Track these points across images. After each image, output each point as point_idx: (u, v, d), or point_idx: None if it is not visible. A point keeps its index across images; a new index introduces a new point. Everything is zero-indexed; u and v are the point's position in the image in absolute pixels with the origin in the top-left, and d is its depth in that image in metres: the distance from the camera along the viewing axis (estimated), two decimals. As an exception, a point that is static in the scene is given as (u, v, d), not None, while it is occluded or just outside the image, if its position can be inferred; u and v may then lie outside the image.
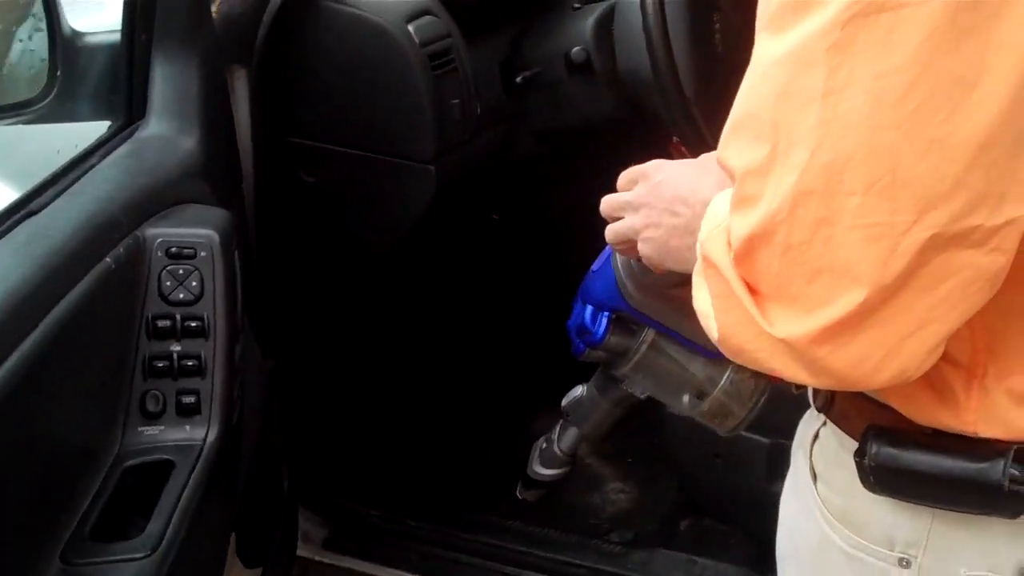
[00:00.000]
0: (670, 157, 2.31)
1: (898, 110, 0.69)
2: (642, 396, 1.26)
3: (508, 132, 1.93)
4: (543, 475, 1.37)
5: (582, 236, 2.32)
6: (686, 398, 1.21)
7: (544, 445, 1.36)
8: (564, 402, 1.32)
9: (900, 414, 0.88)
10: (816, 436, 1.00)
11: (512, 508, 1.99)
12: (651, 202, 1.01)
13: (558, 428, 1.34)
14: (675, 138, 2.32)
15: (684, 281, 0.93)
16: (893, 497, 0.89)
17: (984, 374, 0.83)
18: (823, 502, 0.96)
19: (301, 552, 1.83)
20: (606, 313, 1.20)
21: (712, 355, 1.15)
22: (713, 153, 1.04)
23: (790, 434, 1.68)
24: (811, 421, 1.02)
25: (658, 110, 1.80)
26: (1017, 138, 0.69)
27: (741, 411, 1.22)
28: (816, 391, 1.00)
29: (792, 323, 0.75)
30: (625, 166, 2.41)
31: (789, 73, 0.73)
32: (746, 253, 0.77)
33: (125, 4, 1.42)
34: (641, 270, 1.13)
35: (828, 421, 0.97)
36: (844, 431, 0.94)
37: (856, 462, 0.89)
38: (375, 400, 2.04)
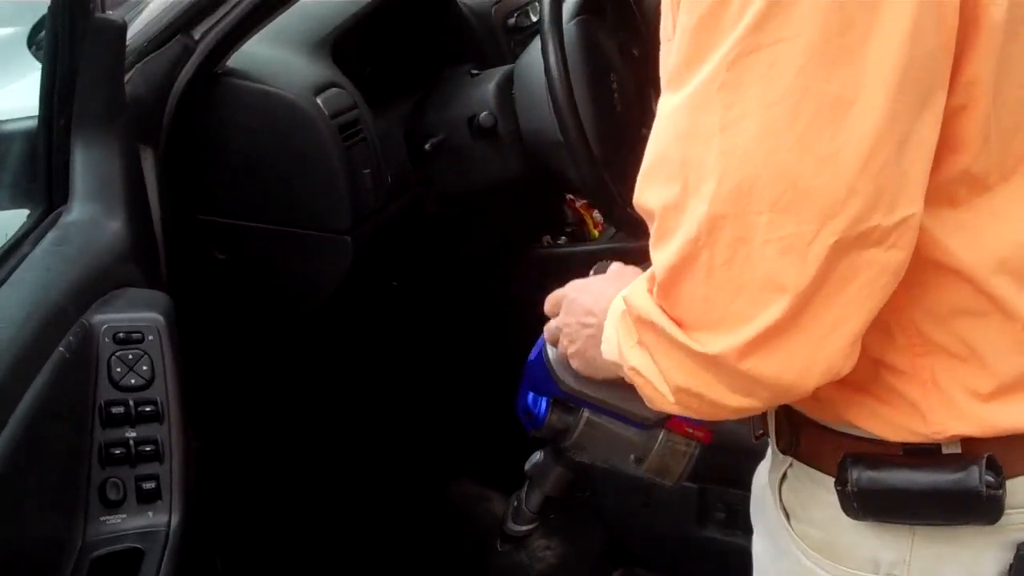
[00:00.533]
0: (565, 213, 2.38)
1: (789, 133, 0.77)
2: (590, 462, 1.36)
3: (415, 198, 1.95)
4: (517, 531, 1.46)
5: (484, 294, 2.36)
6: (630, 459, 1.34)
7: (515, 503, 1.43)
8: (527, 466, 1.41)
9: (872, 439, 0.92)
10: (784, 476, 1.03)
11: (441, 571, 1.99)
12: (568, 321, 1.12)
13: (524, 489, 1.42)
14: (568, 196, 2.38)
15: None
16: (877, 520, 0.93)
17: (932, 377, 0.88)
18: (801, 538, 1.00)
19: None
20: (544, 398, 1.31)
21: (643, 427, 1.31)
22: (618, 264, 1.25)
23: (717, 479, 1.73)
24: (776, 464, 1.05)
25: (564, 169, 1.84)
26: (900, 145, 0.77)
27: (678, 467, 1.36)
28: (779, 433, 1.05)
29: (720, 340, 0.82)
30: (523, 224, 2.46)
31: (689, 116, 0.81)
32: (671, 283, 0.83)
33: (42, 89, 1.40)
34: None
35: (795, 461, 1.01)
36: (816, 467, 0.98)
37: (838, 491, 0.93)
38: (302, 478, 2.02)
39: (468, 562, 2.02)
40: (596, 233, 2.44)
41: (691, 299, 0.83)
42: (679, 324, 0.85)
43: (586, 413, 1.33)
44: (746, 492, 1.70)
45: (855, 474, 0.92)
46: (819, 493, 0.97)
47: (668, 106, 0.84)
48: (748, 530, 1.72)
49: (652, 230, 0.86)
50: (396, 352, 2.19)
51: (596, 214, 2.46)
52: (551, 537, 2.10)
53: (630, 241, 2.38)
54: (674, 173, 0.82)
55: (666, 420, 1.34)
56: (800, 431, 1.00)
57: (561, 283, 2.33)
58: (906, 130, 0.77)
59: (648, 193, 0.86)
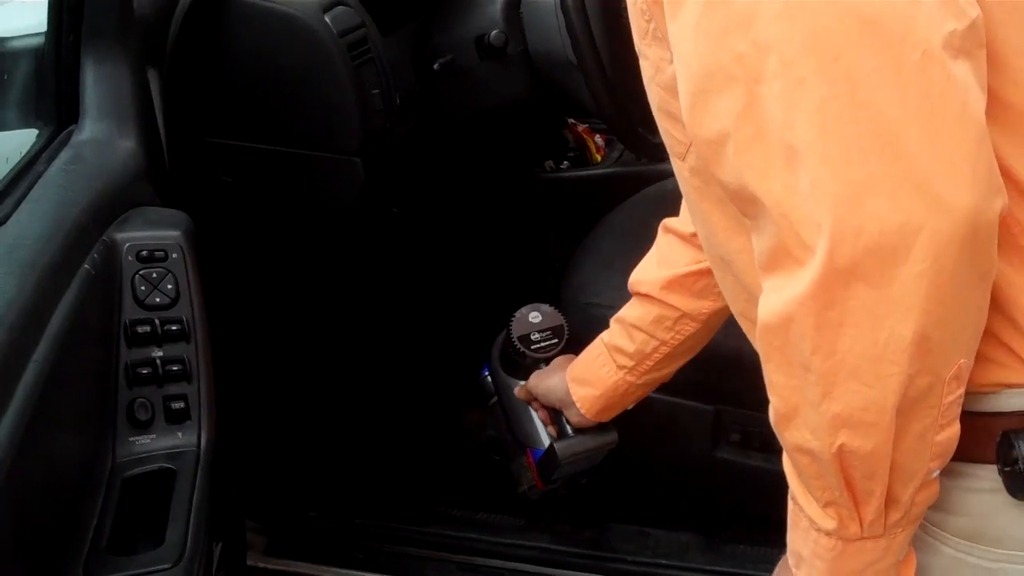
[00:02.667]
0: (566, 138, 2.35)
1: None
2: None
3: (422, 121, 1.92)
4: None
5: (487, 220, 2.34)
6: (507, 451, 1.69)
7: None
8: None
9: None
10: None
11: (456, 497, 1.99)
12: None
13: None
14: (570, 120, 2.36)
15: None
16: None
17: None
18: (943, 530, 0.93)
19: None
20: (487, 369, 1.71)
21: (518, 445, 1.65)
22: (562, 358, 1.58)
23: (731, 401, 1.72)
24: None
25: (574, 90, 1.82)
26: None
27: (523, 485, 1.69)
28: None
29: None
30: (525, 149, 2.44)
31: (717, 10, 0.76)
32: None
33: (50, 5, 1.36)
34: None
35: None
36: (960, 460, 0.87)
37: (1006, 472, 0.86)
38: (305, 399, 2.00)
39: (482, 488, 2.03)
40: (598, 158, 2.42)
41: None
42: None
43: (494, 400, 1.69)
44: (760, 412, 1.71)
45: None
46: (965, 483, 0.89)
47: (685, 26, 0.79)
48: (763, 451, 1.73)
49: (723, 160, 0.79)
50: (401, 278, 2.17)
51: (598, 138, 2.44)
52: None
53: (632, 166, 2.37)
54: (730, 75, 0.76)
55: (524, 448, 1.66)
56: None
57: (563, 208, 2.33)
58: None
59: (706, 117, 0.79)
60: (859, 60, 0.71)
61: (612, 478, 1.94)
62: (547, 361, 1.60)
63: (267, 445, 1.91)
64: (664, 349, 1.41)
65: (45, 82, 1.40)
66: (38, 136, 1.39)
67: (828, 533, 0.88)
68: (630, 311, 1.43)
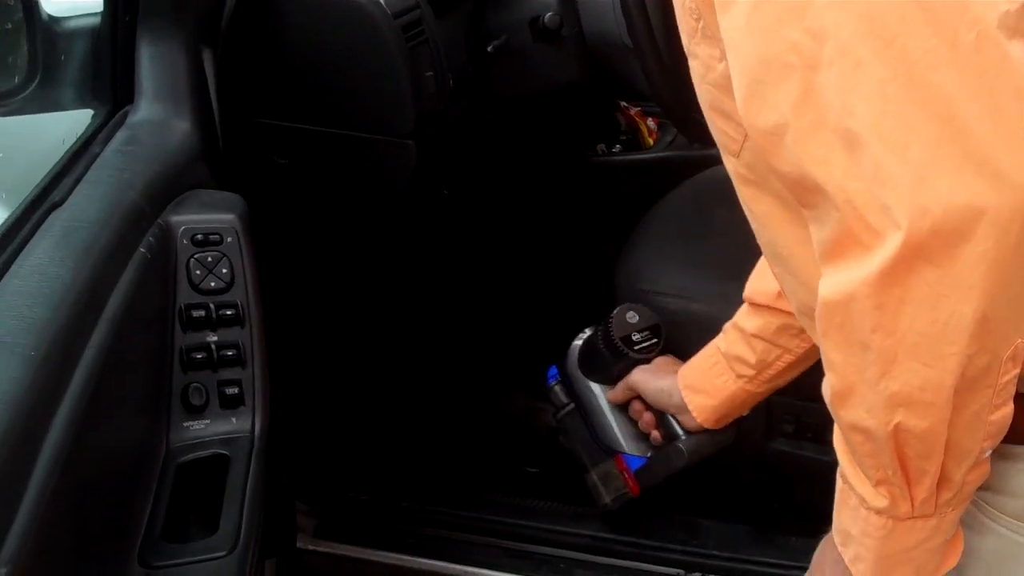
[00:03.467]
0: (618, 121, 2.33)
1: None
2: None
3: (475, 103, 1.90)
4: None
5: (539, 203, 2.33)
6: (583, 461, 1.71)
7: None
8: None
9: None
10: None
11: (506, 483, 1.98)
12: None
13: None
14: (623, 103, 2.33)
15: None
16: None
17: None
18: (998, 509, 0.94)
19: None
20: (557, 372, 1.72)
21: (601, 448, 1.67)
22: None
23: (785, 391, 1.70)
24: None
25: (629, 73, 1.80)
26: None
27: (607, 497, 1.70)
28: None
29: None
30: (578, 132, 2.42)
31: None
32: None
33: (107, -16, 1.36)
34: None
35: None
36: (1013, 442, 0.88)
37: None
38: (356, 382, 2.00)
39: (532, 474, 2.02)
40: (651, 141, 2.39)
41: None
42: None
43: (572, 405, 1.70)
44: (814, 403, 1.68)
45: None
46: (1018, 464, 0.90)
47: (737, 18, 0.78)
48: (817, 442, 1.71)
49: (781, 151, 0.78)
50: (451, 261, 2.16)
51: (650, 122, 2.41)
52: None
53: (685, 150, 2.35)
54: (785, 64, 0.75)
55: (616, 454, 1.67)
56: None
57: (615, 193, 2.31)
58: None
59: (763, 108, 0.79)
60: (914, 42, 0.71)
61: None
62: (647, 361, 1.58)
63: (318, 428, 1.91)
64: (788, 358, 1.40)
65: (101, 62, 1.39)
66: (93, 117, 1.38)
67: (879, 512, 0.88)
68: (750, 321, 1.40)
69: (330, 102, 1.70)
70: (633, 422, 1.64)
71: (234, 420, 1.15)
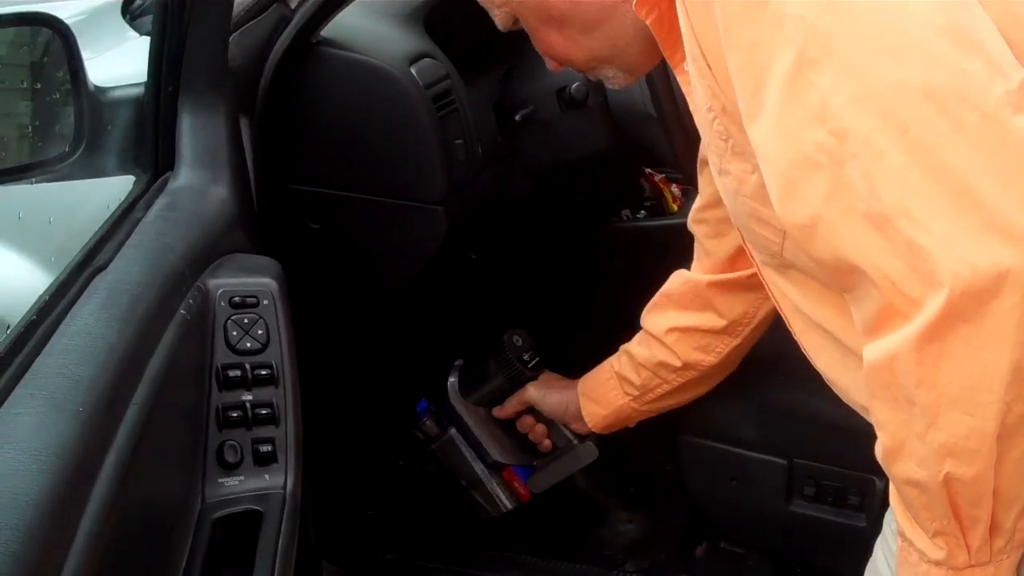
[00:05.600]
0: (643, 187, 2.37)
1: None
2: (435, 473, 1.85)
3: (504, 170, 1.95)
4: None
5: (565, 268, 2.36)
6: (462, 483, 1.83)
7: None
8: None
9: None
10: None
11: (526, 544, 1.99)
12: None
13: None
14: (647, 169, 2.38)
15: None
16: None
17: None
18: None
19: (323, 601, 1.81)
20: (427, 405, 1.86)
21: (487, 465, 1.80)
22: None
23: (805, 454, 1.72)
24: None
25: (653, 142, 1.84)
26: None
27: (492, 511, 1.83)
28: None
29: None
30: (604, 198, 2.44)
31: (796, 100, 0.84)
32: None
33: (151, 56, 1.42)
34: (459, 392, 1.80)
35: None
36: None
37: None
38: (383, 442, 2.03)
39: (550, 534, 2.04)
40: (675, 207, 2.43)
41: None
42: None
43: (452, 432, 1.81)
44: (834, 467, 1.70)
45: None
46: None
47: (764, 128, 0.87)
48: (837, 505, 1.73)
49: (816, 241, 0.87)
50: (478, 323, 2.19)
51: (674, 188, 2.45)
52: (633, 510, 2.10)
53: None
54: (814, 163, 0.84)
55: (504, 467, 1.80)
56: None
57: (639, 256, 2.34)
58: None
59: (796, 204, 0.87)
60: (926, 128, 0.79)
61: (685, 530, 1.95)
62: (536, 378, 1.76)
63: (345, 487, 1.93)
64: (666, 387, 1.60)
65: (143, 130, 1.44)
66: (136, 183, 1.44)
67: (938, 563, 0.93)
68: (639, 350, 1.61)
69: (362, 169, 1.75)
70: (513, 436, 1.80)
71: (267, 477, 1.18)
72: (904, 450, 0.88)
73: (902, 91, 0.80)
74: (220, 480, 1.17)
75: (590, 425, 1.69)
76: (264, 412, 1.20)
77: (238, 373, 1.20)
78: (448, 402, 1.82)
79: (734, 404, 1.79)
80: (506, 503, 1.83)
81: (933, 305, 0.79)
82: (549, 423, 1.76)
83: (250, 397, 1.20)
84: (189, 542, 1.09)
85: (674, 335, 1.56)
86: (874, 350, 0.86)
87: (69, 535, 0.80)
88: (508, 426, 1.81)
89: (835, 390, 1.12)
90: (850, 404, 1.10)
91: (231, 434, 1.19)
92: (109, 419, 0.93)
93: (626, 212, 2.40)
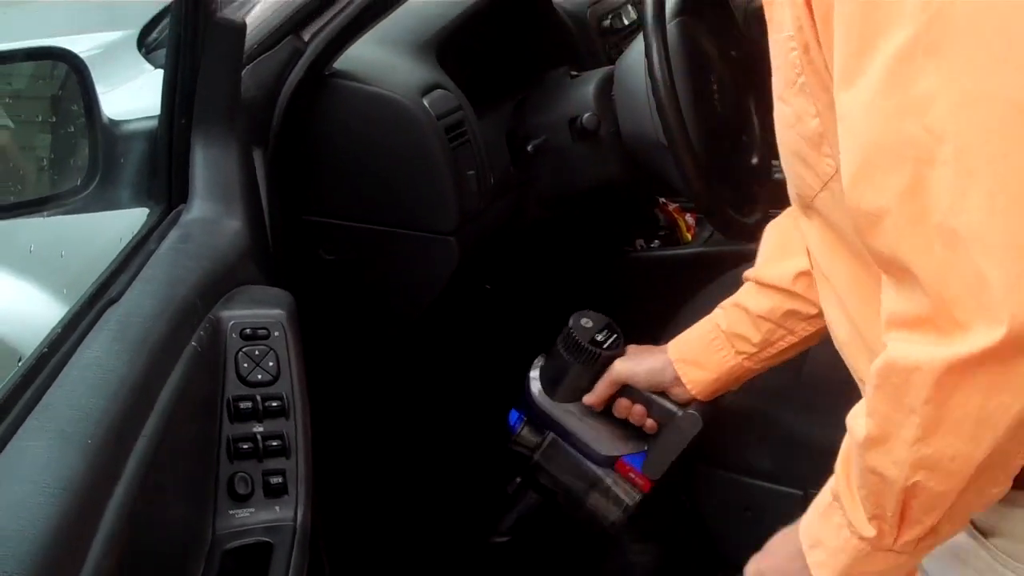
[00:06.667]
0: (657, 217, 2.37)
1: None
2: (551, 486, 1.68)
3: (516, 200, 1.96)
4: (496, 540, 1.81)
5: (578, 298, 2.36)
6: (581, 487, 1.65)
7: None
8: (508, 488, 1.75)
9: None
10: None
11: (540, 574, 1.99)
12: None
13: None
14: (661, 199, 2.38)
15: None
16: None
17: None
18: (1006, 555, 0.98)
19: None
20: (521, 414, 1.68)
21: (595, 462, 1.63)
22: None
23: (820, 486, 1.71)
24: None
25: (665, 171, 1.84)
26: None
27: (616, 512, 1.66)
28: None
29: None
30: (617, 228, 2.45)
31: (894, 92, 0.78)
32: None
33: (165, 89, 1.43)
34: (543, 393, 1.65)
35: None
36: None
37: None
38: (396, 474, 2.03)
39: (564, 563, 2.03)
40: (688, 237, 2.43)
41: None
42: None
43: (551, 436, 1.65)
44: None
45: None
46: None
47: (858, 99, 0.81)
48: (854, 535, 1.72)
49: (878, 232, 0.83)
50: (493, 354, 2.20)
51: (688, 218, 2.45)
52: (647, 541, 2.09)
53: (722, 245, 2.38)
54: (899, 154, 0.79)
55: (616, 460, 1.63)
56: None
57: (653, 287, 2.34)
58: None
59: (868, 190, 0.83)
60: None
61: (700, 560, 1.94)
62: (618, 356, 1.60)
63: (359, 519, 1.93)
64: (791, 339, 1.44)
65: (157, 163, 1.45)
66: (149, 215, 1.45)
67: (862, 538, 0.95)
68: (757, 301, 1.45)
69: (375, 200, 1.76)
70: (616, 424, 1.63)
71: (278, 509, 1.18)
72: (886, 445, 0.87)
73: (1014, 111, 0.75)
74: (231, 512, 1.17)
75: (694, 392, 1.52)
76: (275, 444, 1.20)
77: (249, 405, 1.21)
78: (536, 406, 1.66)
79: (750, 434, 1.79)
80: (630, 499, 1.65)
81: (979, 339, 0.77)
82: (647, 401, 1.58)
83: (261, 429, 1.20)
84: (200, 574, 1.09)
85: (804, 281, 1.38)
86: (897, 350, 0.84)
87: (77, 568, 0.80)
88: (606, 416, 1.64)
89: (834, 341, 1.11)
90: (841, 355, 1.10)
91: (242, 465, 1.19)
92: (118, 451, 0.93)
93: (640, 241, 2.41)
